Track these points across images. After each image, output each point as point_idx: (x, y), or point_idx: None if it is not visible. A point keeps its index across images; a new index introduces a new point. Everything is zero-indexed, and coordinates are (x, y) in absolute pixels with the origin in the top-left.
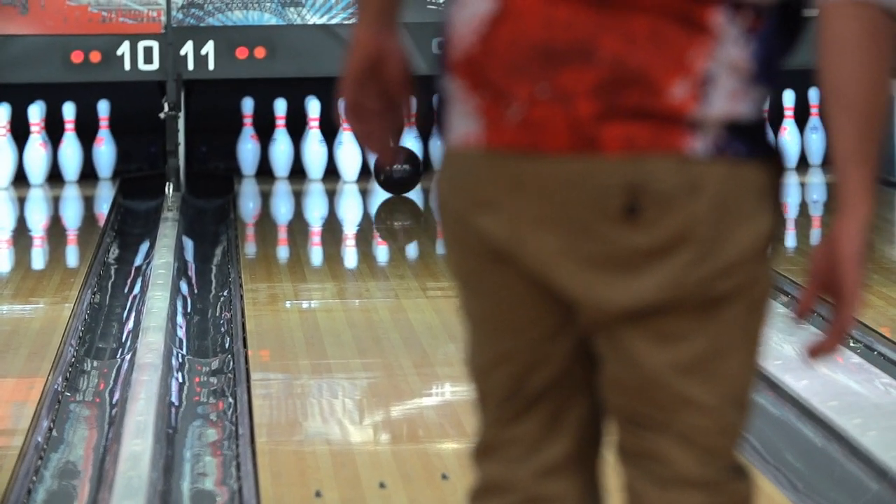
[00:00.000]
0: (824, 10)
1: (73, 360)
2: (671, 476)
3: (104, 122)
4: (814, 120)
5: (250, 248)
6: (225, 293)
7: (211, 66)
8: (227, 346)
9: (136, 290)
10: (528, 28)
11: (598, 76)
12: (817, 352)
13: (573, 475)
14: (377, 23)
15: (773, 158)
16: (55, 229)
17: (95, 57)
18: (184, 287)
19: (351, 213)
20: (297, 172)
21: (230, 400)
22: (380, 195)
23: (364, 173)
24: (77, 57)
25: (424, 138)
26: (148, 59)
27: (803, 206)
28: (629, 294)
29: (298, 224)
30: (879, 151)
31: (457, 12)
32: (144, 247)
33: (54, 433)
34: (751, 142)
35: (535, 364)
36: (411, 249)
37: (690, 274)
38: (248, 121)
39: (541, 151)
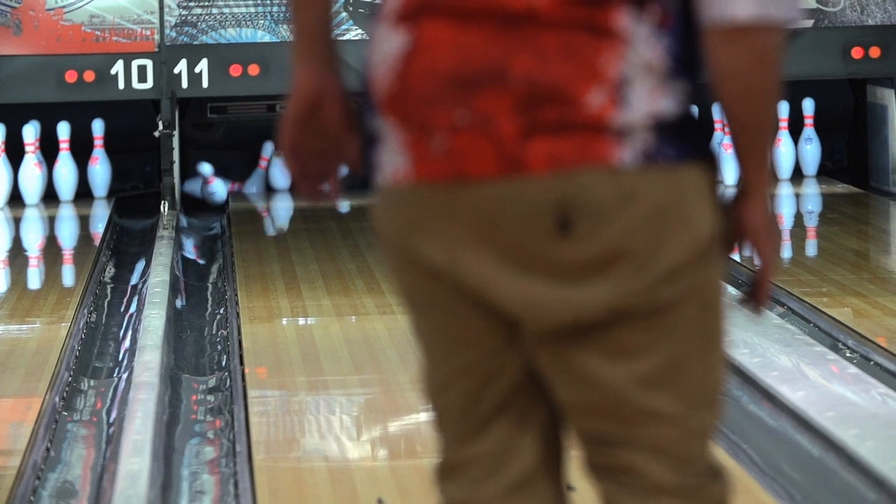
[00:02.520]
0: (710, 35)
1: (69, 379)
2: (647, 486)
3: (99, 142)
4: (808, 131)
5: (246, 265)
6: (221, 311)
7: (205, 83)
8: (223, 363)
9: (133, 308)
10: (440, 58)
11: (514, 96)
12: (746, 305)
13: (540, 489)
14: (316, 63)
15: (706, 158)
16: (51, 249)
17: (89, 76)
18: (180, 305)
19: (345, 227)
20: (292, 189)
21: (227, 417)
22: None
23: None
24: (71, 76)
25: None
26: (142, 78)
27: (798, 217)
28: (570, 307)
29: (294, 240)
30: (773, 143)
31: (372, 53)
32: (140, 265)
33: (52, 453)
34: (680, 144)
35: (490, 376)
36: None
37: (631, 284)
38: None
39: (469, 177)
